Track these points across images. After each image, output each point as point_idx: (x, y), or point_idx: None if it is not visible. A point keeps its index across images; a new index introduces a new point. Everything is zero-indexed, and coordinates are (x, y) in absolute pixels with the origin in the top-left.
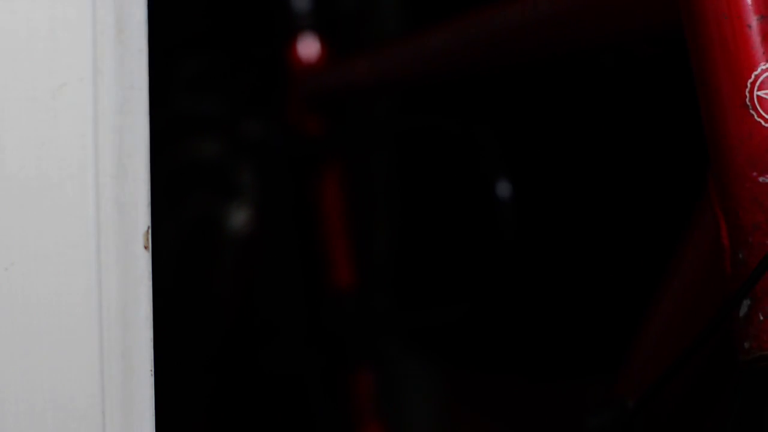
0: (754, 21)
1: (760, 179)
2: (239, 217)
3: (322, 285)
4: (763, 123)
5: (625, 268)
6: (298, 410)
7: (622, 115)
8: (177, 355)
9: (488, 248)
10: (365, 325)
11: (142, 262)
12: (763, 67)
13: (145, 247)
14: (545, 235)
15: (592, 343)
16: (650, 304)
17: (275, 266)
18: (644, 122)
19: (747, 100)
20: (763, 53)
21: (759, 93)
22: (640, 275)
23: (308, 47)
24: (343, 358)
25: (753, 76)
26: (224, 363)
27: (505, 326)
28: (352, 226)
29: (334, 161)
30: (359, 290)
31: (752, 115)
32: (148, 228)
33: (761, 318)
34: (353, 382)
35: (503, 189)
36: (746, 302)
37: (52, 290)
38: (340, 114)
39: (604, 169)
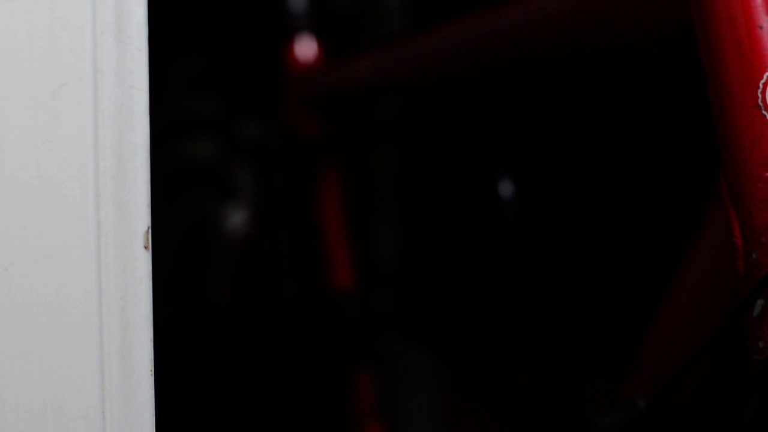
0: (765, 22)
1: None
2: (237, 218)
3: (322, 286)
4: None
5: (626, 267)
6: (298, 411)
7: (626, 115)
8: (175, 356)
9: (491, 248)
10: (365, 326)
11: (142, 262)
12: None
13: (145, 247)
14: (548, 234)
15: (592, 341)
16: (660, 302)
17: (274, 267)
18: (649, 122)
19: (759, 101)
20: None
21: None
22: (641, 274)
23: (305, 48)
24: (343, 360)
25: (765, 77)
26: (223, 364)
27: (506, 323)
28: (352, 226)
29: (333, 162)
30: (359, 291)
31: (765, 116)
32: (148, 228)
33: None
34: (354, 383)
35: (506, 188)
36: (760, 302)
37: (52, 290)
38: (339, 115)
39: (608, 168)
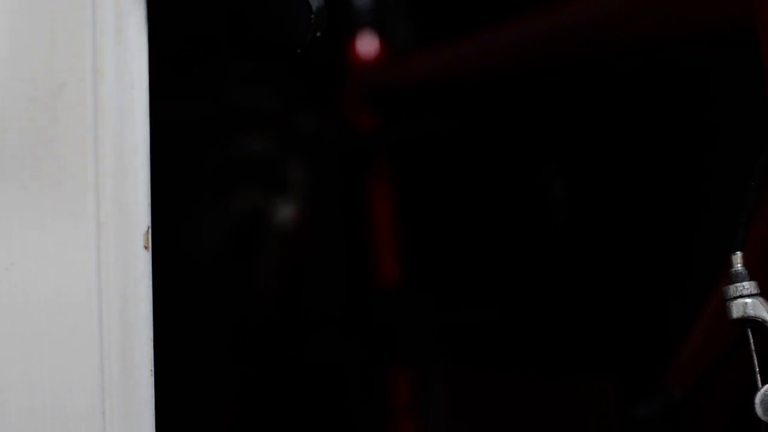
0: None
1: None
2: (289, 211)
3: (369, 280)
4: None
5: (625, 266)
6: (335, 403)
7: (674, 117)
8: (214, 345)
9: (535, 248)
10: (408, 320)
11: (142, 262)
12: None
13: (145, 247)
14: (591, 230)
15: (589, 338)
16: (706, 296)
17: (322, 260)
18: (664, 130)
19: None
20: None
21: None
22: (641, 273)
23: (368, 44)
24: (384, 353)
25: None
26: (265, 353)
27: (502, 322)
28: (401, 221)
29: (387, 157)
30: (404, 286)
31: None
32: (148, 228)
33: None
34: (392, 378)
35: (555, 189)
36: None
37: (52, 290)
38: (396, 111)
39: (618, 168)
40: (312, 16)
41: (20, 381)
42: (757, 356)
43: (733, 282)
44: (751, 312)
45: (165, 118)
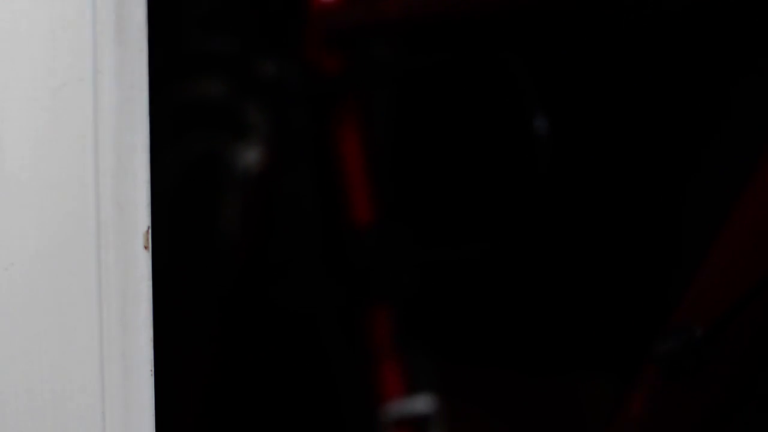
0: None
1: None
2: (254, 155)
3: (342, 220)
4: None
5: (623, 264)
6: (313, 346)
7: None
8: (185, 295)
9: (516, 184)
10: (385, 259)
11: (142, 262)
12: None
13: (145, 247)
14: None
15: (585, 338)
16: (723, 222)
17: (293, 204)
18: (658, 124)
19: None
20: None
21: None
22: (638, 272)
23: None
24: (361, 294)
25: None
26: (237, 300)
27: (499, 321)
28: (372, 160)
29: (354, 99)
30: (379, 225)
31: None
32: (148, 228)
33: None
34: (371, 318)
35: (538, 123)
36: None
37: (52, 290)
38: (361, 51)
39: (607, 170)
40: None
41: (20, 381)
42: None
43: None
44: None
45: None
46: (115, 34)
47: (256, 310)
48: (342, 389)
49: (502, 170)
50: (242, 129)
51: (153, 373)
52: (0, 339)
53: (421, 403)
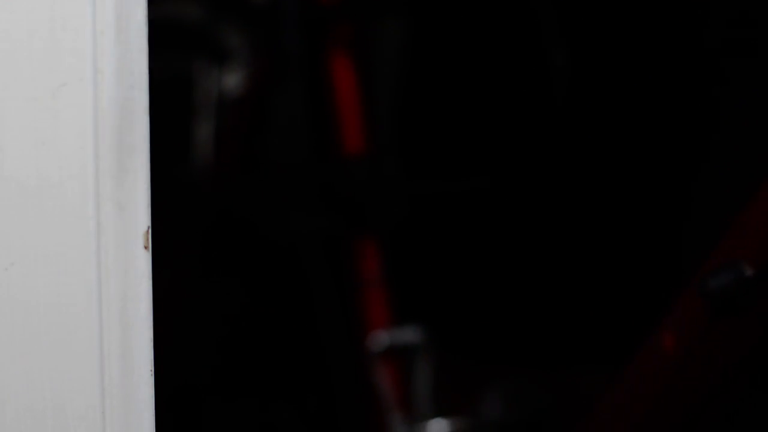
0: None
1: None
2: (232, 80)
3: (333, 151)
4: None
5: (622, 259)
6: (299, 277)
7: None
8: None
9: (527, 118)
10: (375, 189)
11: (142, 262)
12: None
13: (145, 247)
14: (540, 225)
15: (587, 332)
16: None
17: (283, 132)
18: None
19: None
20: None
21: None
22: (639, 265)
23: None
24: (350, 224)
25: None
26: (220, 229)
27: (500, 316)
28: (366, 91)
29: (348, 28)
30: (370, 156)
31: None
32: (148, 228)
33: None
34: (359, 248)
35: (557, 56)
36: None
37: (52, 290)
38: None
39: (608, 177)
40: None
41: (20, 381)
42: None
43: None
44: None
45: None
46: (115, 34)
47: (240, 240)
48: (327, 319)
49: (512, 103)
50: (221, 52)
51: (153, 373)
52: (0, 339)
53: (408, 333)
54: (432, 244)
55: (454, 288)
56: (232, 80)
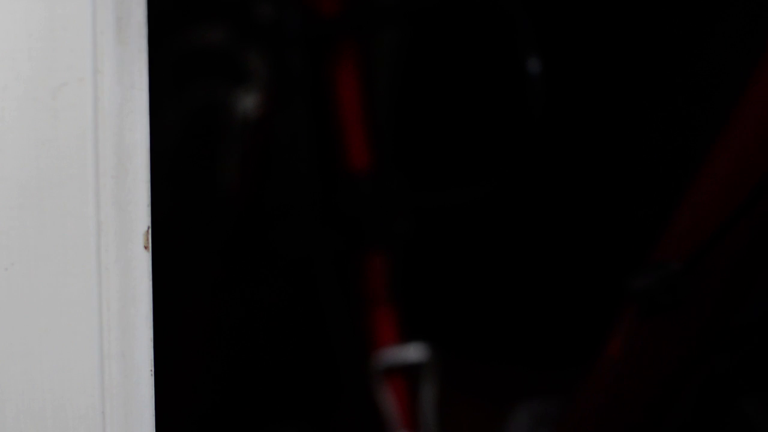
0: None
1: None
2: (249, 102)
3: (338, 167)
4: None
5: (621, 260)
6: (309, 293)
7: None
8: (184, 242)
9: (511, 126)
10: (380, 205)
11: (142, 262)
12: None
13: (145, 247)
14: (539, 225)
15: (584, 332)
16: (702, 161)
17: (289, 150)
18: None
19: None
20: None
21: None
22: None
23: None
24: (356, 240)
25: None
26: (235, 247)
27: (499, 316)
28: (369, 106)
29: (351, 42)
30: (375, 171)
31: None
32: (148, 228)
33: None
34: (366, 264)
35: (532, 65)
36: None
37: (52, 290)
38: None
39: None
40: None
41: (20, 381)
42: None
43: None
44: None
45: None
46: (115, 34)
47: (253, 256)
48: (335, 335)
49: (498, 113)
50: (242, 75)
51: (153, 373)
52: (0, 339)
53: (413, 352)
54: (437, 257)
55: (461, 301)
56: (251, 102)
